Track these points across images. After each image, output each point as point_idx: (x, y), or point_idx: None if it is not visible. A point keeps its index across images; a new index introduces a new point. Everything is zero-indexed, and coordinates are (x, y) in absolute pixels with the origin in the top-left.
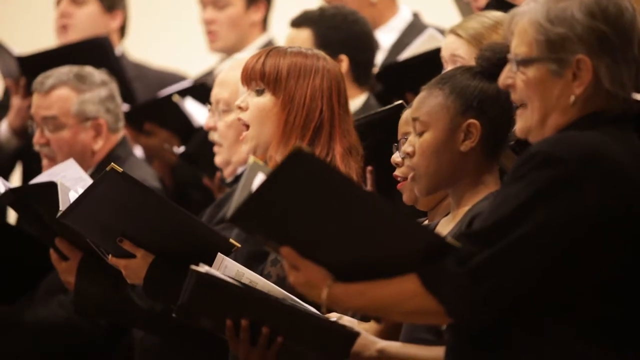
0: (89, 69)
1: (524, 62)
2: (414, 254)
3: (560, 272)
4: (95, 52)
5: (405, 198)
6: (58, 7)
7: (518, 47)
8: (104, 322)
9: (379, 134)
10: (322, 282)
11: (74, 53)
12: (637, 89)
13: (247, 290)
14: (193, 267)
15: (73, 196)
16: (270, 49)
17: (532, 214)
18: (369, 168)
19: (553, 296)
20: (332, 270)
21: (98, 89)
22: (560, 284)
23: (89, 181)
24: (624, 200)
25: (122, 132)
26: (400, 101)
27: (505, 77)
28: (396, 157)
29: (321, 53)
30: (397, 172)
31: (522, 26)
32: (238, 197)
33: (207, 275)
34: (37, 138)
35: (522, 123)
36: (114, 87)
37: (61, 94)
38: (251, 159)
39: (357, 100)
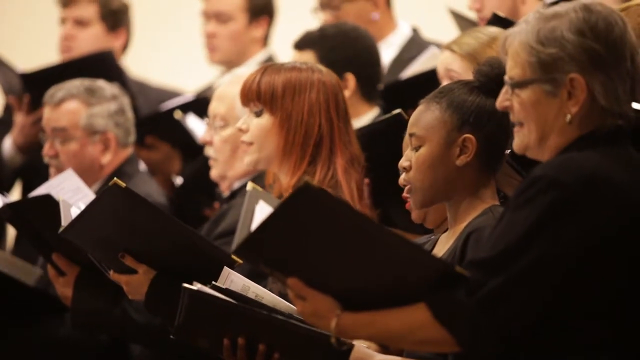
0: (100, 83)
1: (519, 85)
2: (423, 282)
3: (568, 296)
4: (98, 66)
5: (414, 216)
6: (62, 27)
7: (512, 70)
8: (103, 337)
9: (379, 144)
10: (330, 312)
11: (78, 68)
12: (634, 101)
13: (239, 306)
14: (185, 285)
15: (75, 212)
16: (265, 67)
17: (538, 241)
18: (366, 180)
19: (559, 320)
20: (339, 299)
21: (108, 102)
22: (568, 307)
23: (87, 191)
24: (626, 222)
25: (132, 147)
26: (398, 110)
27: (502, 99)
28: (402, 179)
29: (316, 66)
30: (406, 193)
31: (514, 49)
32: (241, 227)
33: (199, 293)
34: (46, 150)
35: (520, 140)
36: (124, 101)
37: (71, 106)
38: (249, 185)
39: (366, 117)
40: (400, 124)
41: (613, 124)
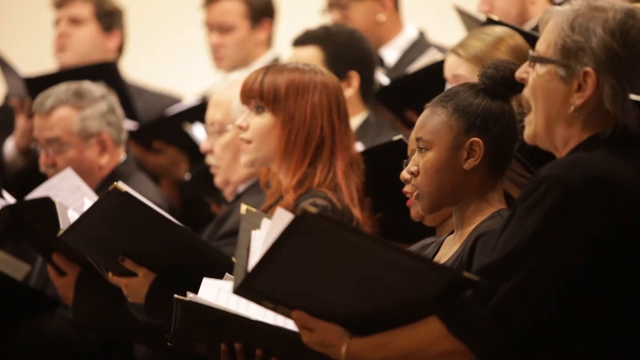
0: (87, 84)
1: (538, 60)
2: (431, 294)
3: (578, 297)
4: (102, 76)
5: (414, 214)
6: (57, 27)
7: (540, 44)
8: (98, 336)
9: (378, 167)
10: (338, 340)
11: (81, 76)
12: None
13: (233, 315)
14: (177, 296)
15: (72, 214)
16: (267, 66)
17: (546, 241)
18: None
19: (568, 321)
20: (346, 325)
21: (98, 103)
22: (575, 308)
23: (87, 190)
24: (632, 222)
25: (124, 147)
26: (400, 136)
27: (522, 70)
28: (405, 174)
29: (318, 67)
30: (407, 189)
31: (549, 25)
32: (238, 261)
33: (191, 303)
34: (43, 159)
35: (529, 128)
36: (113, 99)
37: (62, 113)
38: (243, 208)
39: (357, 118)
40: (400, 149)
41: (621, 126)
